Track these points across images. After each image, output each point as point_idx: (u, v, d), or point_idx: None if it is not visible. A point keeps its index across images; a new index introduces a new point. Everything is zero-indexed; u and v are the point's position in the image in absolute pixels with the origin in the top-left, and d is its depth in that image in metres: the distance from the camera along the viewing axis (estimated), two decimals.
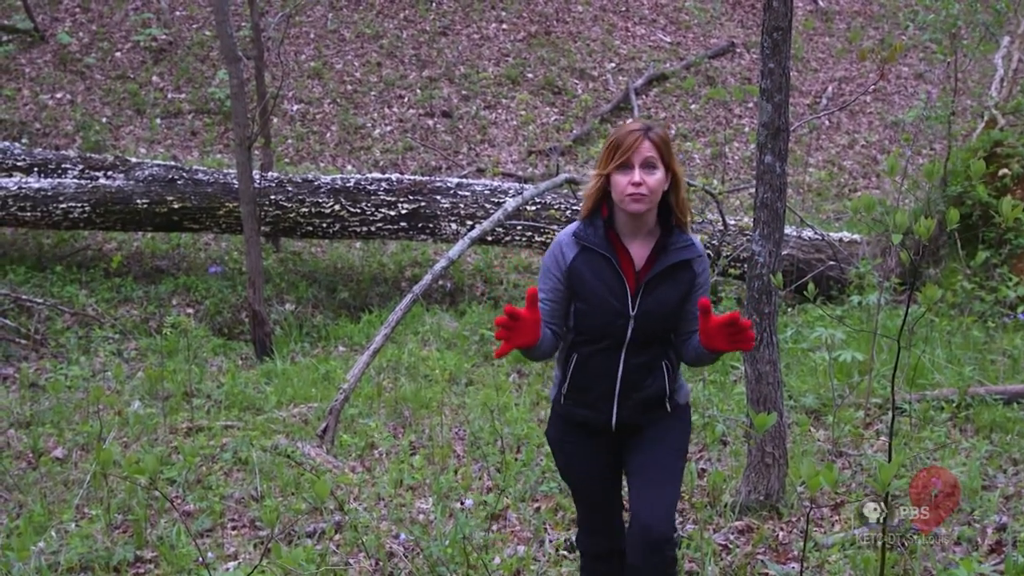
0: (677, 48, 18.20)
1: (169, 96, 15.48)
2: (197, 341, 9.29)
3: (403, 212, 10.79)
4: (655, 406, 3.92)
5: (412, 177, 11.40)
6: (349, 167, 14.49)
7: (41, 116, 14.56)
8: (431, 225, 10.81)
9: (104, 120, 14.73)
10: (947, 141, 10.60)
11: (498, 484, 6.08)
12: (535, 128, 15.76)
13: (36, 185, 10.64)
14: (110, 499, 5.85)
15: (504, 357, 3.61)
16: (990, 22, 13.12)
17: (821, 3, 19.98)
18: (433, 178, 11.55)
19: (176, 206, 10.70)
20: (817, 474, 3.25)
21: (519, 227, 10.61)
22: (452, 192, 10.88)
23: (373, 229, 10.90)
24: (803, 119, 14.49)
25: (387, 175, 11.43)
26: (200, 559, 5.09)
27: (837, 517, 5.56)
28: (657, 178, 3.72)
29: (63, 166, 11.25)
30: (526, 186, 11.24)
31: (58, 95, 15.07)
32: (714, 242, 9.67)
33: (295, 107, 15.68)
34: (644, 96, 16.77)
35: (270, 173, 11.37)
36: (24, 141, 13.65)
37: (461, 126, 15.70)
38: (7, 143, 11.91)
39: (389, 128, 15.51)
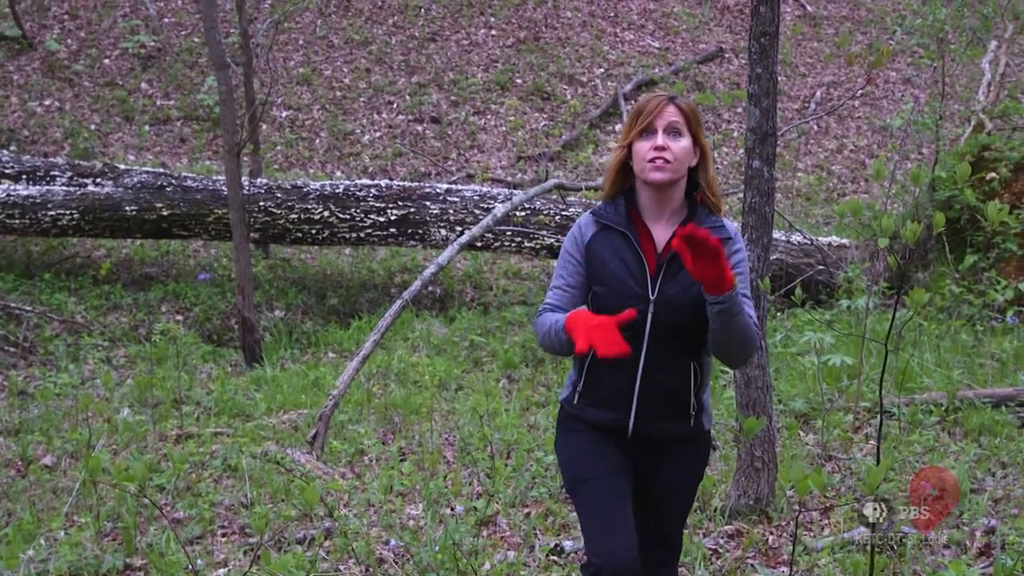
0: (666, 53, 18.22)
1: (158, 103, 15.46)
2: (186, 348, 9.27)
3: (392, 218, 10.79)
4: (678, 414, 3.56)
5: (401, 183, 11.41)
6: (338, 173, 14.48)
7: (29, 123, 14.53)
8: (420, 231, 10.81)
9: (93, 127, 14.70)
10: (935, 145, 10.64)
11: (488, 490, 6.08)
12: (524, 134, 15.76)
13: (25, 192, 10.61)
14: (99, 507, 5.84)
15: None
16: (977, 27, 13.17)
17: (809, 8, 20.02)
18: (422, 184, 11.56)
19: (165, 213, 10.68)
20: (806, 478, 3.26)
21: (508, 233, 10.61)
22: (441, 198, 10.88)
23: (362, 235, 10.90)
24: (791, 124, 14.51)
25: (376, 181, 11.42)
26: (190, 566, 5.08)
27: (826, 521, 5.57)
28: (682, 146, 3.46)
29: (52, 173, 11.23)
30: (515, 192, 11.24)
31: (46, 102, 15.05)
32: None
33: (284, 113, 15.67)
34: (633, 101, 16.77)
35: (259, 180, 11.36)
36: (12, 148, 13.62)
37: (450, 132, 15.71)
38: None
39: (378, 134, 15.50)
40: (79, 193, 10.68)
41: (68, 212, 10.56)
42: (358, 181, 11.44)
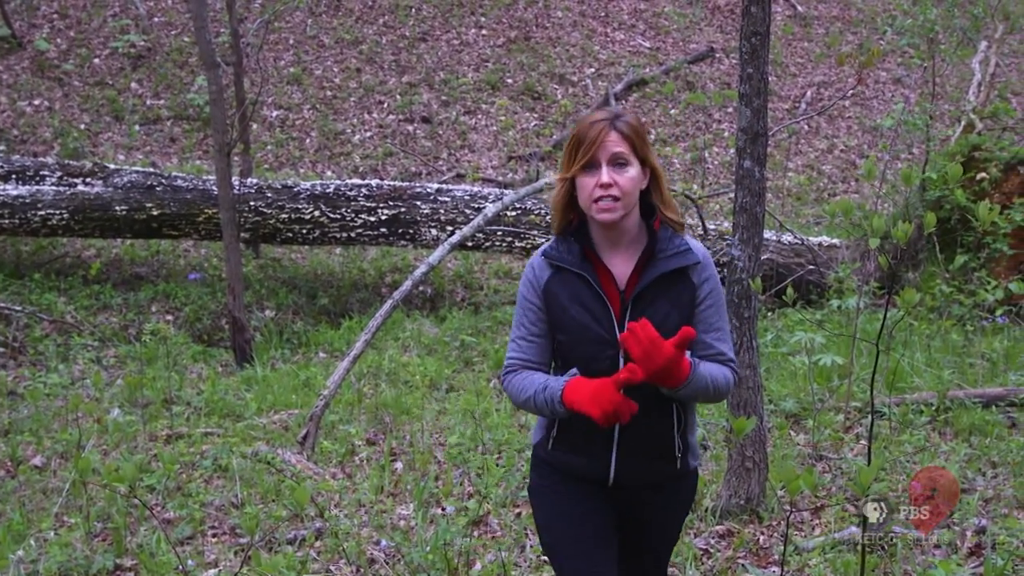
0: (656, 53, 18.24)
1: (148, 102, 15.43)
2: (177, 348, 9.25)
3: (383, 218, 10.77)
4: (660, 460, 3.26)
5: (392, 183, 11.39)
6: (329, 173, 14.47)
7: (19, 123, 14.50)
8: (411, 231, 10.80)
9: (83, 127, 14.67)
10: (925, 145, 10.66)
11: (479, 490, 6.08)
12: (515, 134, 15.76)
13: (14, 192, 10.58)
14: (89, 507, 5.83)
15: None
16: (967, 27, 13.20)
17: (800, 8, 20.05)
18: (413, 184, 11.55)
19: (155, 213, 10.66)
20: (797, 478, 3.25)
21: (499, 232, 10.61)
22: (432, 198, 10.87)
23: (353, 235, 10.89)
24: (782, 124, 14.54)
25: (367, 181, 11.40)
26: (180, 567, 5.07)
27: (817, 521, 5.57)
28: (630, 176, 3.11)
29: (41, 173, 11.21)
30: (506, 192, 11.24)
31: (36, 102, 15.01)
32: None
33: (274, 113, 15.65)
34: (624, 101, 16.78)
35: (250, 179, 11.35)
36: (2, 148, 13.59)
37: (441, 132, 15.70)
38: None
39: (369, 134, 15.49)
40: (69, 193, 10.66)
41: (58, 212, 10.54)
42: (348, 181, 11.44)
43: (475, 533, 5.55)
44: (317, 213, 10.78)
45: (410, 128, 15.72)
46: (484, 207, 10.33)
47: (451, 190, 11.12)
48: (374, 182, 11.27)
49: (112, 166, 11.44)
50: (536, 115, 16.31)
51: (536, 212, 10.64)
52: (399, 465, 6.59)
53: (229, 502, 6.05)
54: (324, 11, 17.93)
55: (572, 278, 3.18)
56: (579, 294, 3.17)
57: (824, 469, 6.16)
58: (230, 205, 9.29)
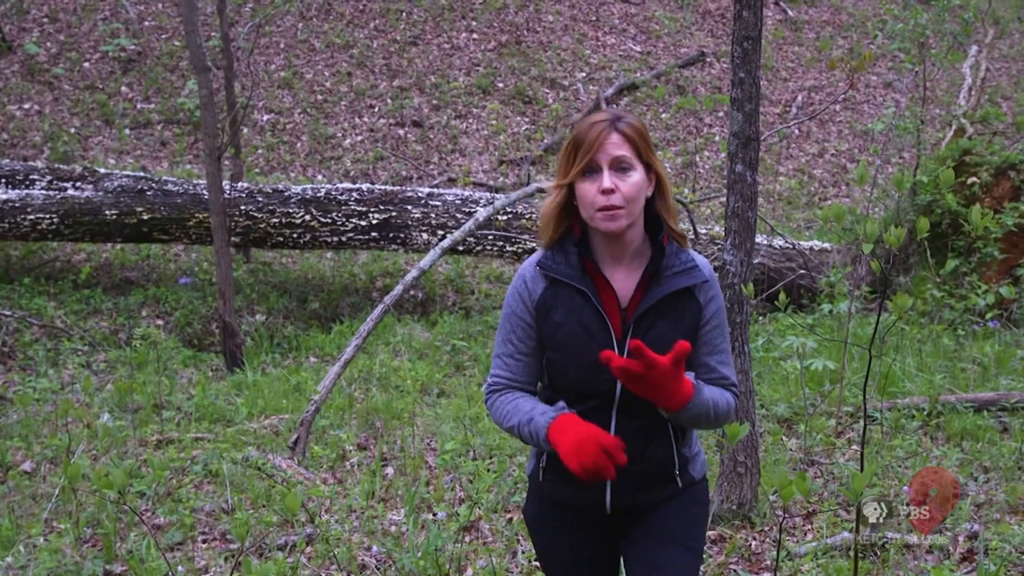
0: (647, 57, 18.24)
1: (138, 106, 15.40)
2: (167, 353, 9.23)
3: (374, 222, 10.76)
4: (661, 482, 3.06)
5: (383, 187, 11.36)
6: (320, 177, 14.44)
7: (9, 127, 14.46)
8: (402, 235, 10.78)
9: (73, 131, 14.63)
10: (916, 150, 10.66)
11: (470, 495, 6.06)
12: (506, 138, 15.75)
13: (4, 196, 10.54)
14: (79, 513, 5.80)
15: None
16: (958, 32, 13.21)
17: (791, 13, 20.07)
18: (404, 188, 11.53)
19: (145, 217, 10.63)
20: (790, 483, 3.24)
21: (491, 237, 10.59)
22: (423, 202, 10.86)
23: (344, 239, 10.87)
24: (773, 128, 14.55)
25: (358, 185, 11.38)
26: (170, 573, 5.05)
27: (810, 526, 5.57)
28: (634, 182, 2.86)
29: (31, 177, 11.16)
30: (497, 196, 11.23)
31: (26, 105, 14.97)
32: None
33: (265, 117, 15.63)
34: (615, 105, 16.78)
35: (240, 183, 11.32)
36: None
37: (432, 136, 15.69)
38: None
39: (360, 138, 15.47)
40: (59, 197, 10.62)
41: (48, 216, 10.50)
42: (339, 185, 11.41)
43: (466, 539, 5.54)
44: (308, 217, 10.76)
45: (401, 132, 15.70)
46: (475, 211, 10.33)
47: (442, 194, 11.11)
48: (365, 186, 11.25)
49: (102, 170, 11.41)
50: (527, 119, 16.31)
51: (527, 216, 10.63)
52: (390, 470, 6.59)
53: (219, 508, 6.03)
54: (315, 15, 17.91)
55: (570, 293, 2.94)
56: (577, 311, 2.92)
57: (816, 474, 6.16)
58: (221, 209, 9.27)
